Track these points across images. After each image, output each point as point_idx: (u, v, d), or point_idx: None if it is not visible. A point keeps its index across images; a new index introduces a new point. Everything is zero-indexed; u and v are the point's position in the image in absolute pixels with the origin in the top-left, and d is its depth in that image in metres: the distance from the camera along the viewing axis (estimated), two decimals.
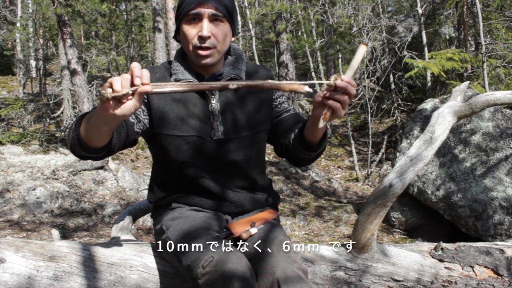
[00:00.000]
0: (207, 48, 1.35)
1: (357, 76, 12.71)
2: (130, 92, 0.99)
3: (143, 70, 1.00)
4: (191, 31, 1.36)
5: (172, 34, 1.56)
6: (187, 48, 1.39)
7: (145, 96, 1.35)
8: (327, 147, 10.49)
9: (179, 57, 1.48)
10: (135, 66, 0.99)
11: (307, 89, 1.09)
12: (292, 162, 1.52)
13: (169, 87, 1.03)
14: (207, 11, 1.33)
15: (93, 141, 1.17)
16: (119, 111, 1.01)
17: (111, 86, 0.99)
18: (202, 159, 1.44)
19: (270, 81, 1.10)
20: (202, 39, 1.34)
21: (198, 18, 1.35)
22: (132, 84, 0.99)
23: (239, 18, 11.48)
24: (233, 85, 1.06)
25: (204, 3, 1.33)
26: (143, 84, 0.99)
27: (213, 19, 1.35)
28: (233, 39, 1.47)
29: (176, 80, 1.41)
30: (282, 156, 1.56)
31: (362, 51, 1.10)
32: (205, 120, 1.43)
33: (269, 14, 7.48)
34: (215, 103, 1.43)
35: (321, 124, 1.16)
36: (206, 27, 1.33)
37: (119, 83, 0.98)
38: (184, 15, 1.36)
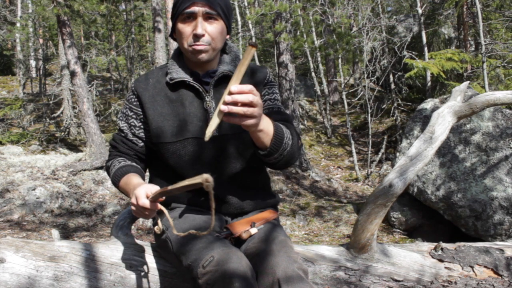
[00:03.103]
0: (202, 46, 1.37)
1: (357, 76, 12.72)
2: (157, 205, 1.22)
3: (142, 201, 1.19)
4: (186, 29, 1.38)
5: None
6: (183, 46, 1.41)
7: (140, 112, 1.47)
8: (327, 147, 10.42)
9: (175, 55, 1.50)
10: (142, 203, 1.19)
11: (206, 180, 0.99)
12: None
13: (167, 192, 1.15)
14: (201, 9, 1.35)
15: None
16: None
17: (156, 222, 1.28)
18: (200, 160, 1.44)
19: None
20: (196, 37, 1.36)
21: (192, 17, 1.36)
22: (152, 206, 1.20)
23: (238, 18, 11.47)
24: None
25: (198, 1, 1.34)
26: (157, 209, 1.22)
27: (207, 17, 1.36)
28: (227, 36, 1.47)
29: (171, 79, 1.43)
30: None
31: (249, 54, 1.02)
32: (201, 118, 1.43)
33: (268, 14, 7.47)
34: (209, 100, 1.44)
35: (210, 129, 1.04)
36: (200, 25, 1.35)
37: (144, 214, 1.23)
38: (179, 14, 1.37)
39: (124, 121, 1.49)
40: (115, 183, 1.45)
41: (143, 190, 1.19)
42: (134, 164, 1.48)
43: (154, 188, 1.19)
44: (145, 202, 1.18)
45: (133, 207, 1.22)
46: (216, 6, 1.36)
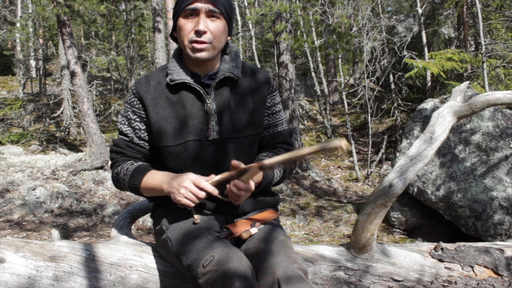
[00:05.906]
0: (203, 43, 1.36)
1: (357, 76, 12.72)
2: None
3: (199, 182, 1.29)
4: (187, 25, 1.37)
5: None
6: (183, 43, 1.39)
7: (143, 115, 1.45)
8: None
9: (176, 56, 1.48)
10: (200, 183, 1.29)
11: (342, 145, 1.09)
12: None
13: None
14: (204, 6, 1.34)
15: (150, 196, 1.49)
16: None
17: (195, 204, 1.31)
18: (200, 162, 1.44)
19: (304, 150, 1.20)
20: (198, 33, 1.35)
21: (195, 13, 1.36)
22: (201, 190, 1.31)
23: (239, 18, 11.47)
24: (266, 165, 1.27)
25: None
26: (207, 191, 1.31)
27: (210, 15, 1.36)
28: (229, 38, 1.47)
29: (171, 81, 1.41)
30: None
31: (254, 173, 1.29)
32: (202, 120, 1.43)
33: (268, 14, 7.47)
34: (210, 102, 1.42)
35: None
36: (202, 21, 1.35)
37: (195, 197, 1.29)
38: (182, 10, 1.37)
39: (127, 125, 1.46)
40: (135, 184, 1.41)
41: (196, 175, 1.31)
42: (147, 164, 1.47)
43: (201, 177, 1.31)
44: (208, 185, 1.29)
45: (183, 191, 1.27)
46: (219, 5, 1.36)
